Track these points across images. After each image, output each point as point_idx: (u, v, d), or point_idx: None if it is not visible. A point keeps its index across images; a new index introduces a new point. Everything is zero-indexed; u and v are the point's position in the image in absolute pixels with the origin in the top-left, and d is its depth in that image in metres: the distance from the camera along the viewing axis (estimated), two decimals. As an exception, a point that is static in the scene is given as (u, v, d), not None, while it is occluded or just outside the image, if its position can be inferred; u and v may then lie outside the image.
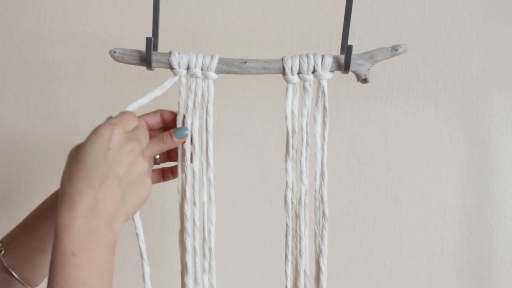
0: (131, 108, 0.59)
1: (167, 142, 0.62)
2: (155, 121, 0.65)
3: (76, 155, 0.51)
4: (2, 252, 0.60)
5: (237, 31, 0.91)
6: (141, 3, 0.92)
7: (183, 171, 0.65)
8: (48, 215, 0.62)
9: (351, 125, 0.92)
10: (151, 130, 0.64)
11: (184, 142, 0.64)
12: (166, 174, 0.67)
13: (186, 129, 0.63)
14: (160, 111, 0.65)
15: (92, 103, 0.95)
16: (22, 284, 0.60)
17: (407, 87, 0.91)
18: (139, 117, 0.63)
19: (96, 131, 0.51)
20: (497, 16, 0.88)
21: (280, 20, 0.90)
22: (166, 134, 0.62)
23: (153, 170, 0.67)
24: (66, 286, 0.47)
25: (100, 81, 0.94)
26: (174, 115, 0.64)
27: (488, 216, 0.92)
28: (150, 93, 0.62)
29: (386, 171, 0.93)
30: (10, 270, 0.59)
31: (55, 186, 0.90)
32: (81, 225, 0.49)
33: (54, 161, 0.96)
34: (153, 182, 0.67)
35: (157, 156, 0.66)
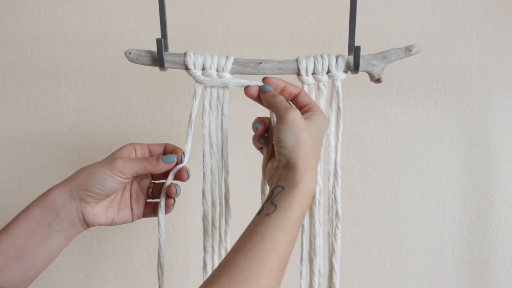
0: (192, 118, 0.65)
1: (151, 163, 0.63)
2: (158, 152, 0.66)
3: (314, 135, 0.58)
4: None
5: (237, 31, 0.91)
6: (141, 3, 0.92)
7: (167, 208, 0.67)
8: (26, 223, 0.61)
9: (351, 125, 0.92)
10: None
11: (169, 169, 0.64)
12: (157, 210, 0.68)
13: (175, 157, 0.64)
14: (166, 144, 0.67)
15: (92, 103, 0.95)
16: None
17: (407, 87, 0.91)
18: (144, 144, 0.66)
19: (323, 119, 0.59)
20: (497, 16, 0.88)
21: (280, 20, 0.90)
22: (153, 157, 0.64)
23: (146, 203, 0.69)
24: (292, 241, 0.54)
25: (100, 81, 0.94)
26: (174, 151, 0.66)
27: (488, 216, 0.92)
28: (193, 108, 0.64)
29: (386, 171, 0.93)
30: None
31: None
32: (313, 191, 0.57)
33: (54, 161, 0.96)
34: (145, 215, 0.69)
35: (150, 190, 0.68)
